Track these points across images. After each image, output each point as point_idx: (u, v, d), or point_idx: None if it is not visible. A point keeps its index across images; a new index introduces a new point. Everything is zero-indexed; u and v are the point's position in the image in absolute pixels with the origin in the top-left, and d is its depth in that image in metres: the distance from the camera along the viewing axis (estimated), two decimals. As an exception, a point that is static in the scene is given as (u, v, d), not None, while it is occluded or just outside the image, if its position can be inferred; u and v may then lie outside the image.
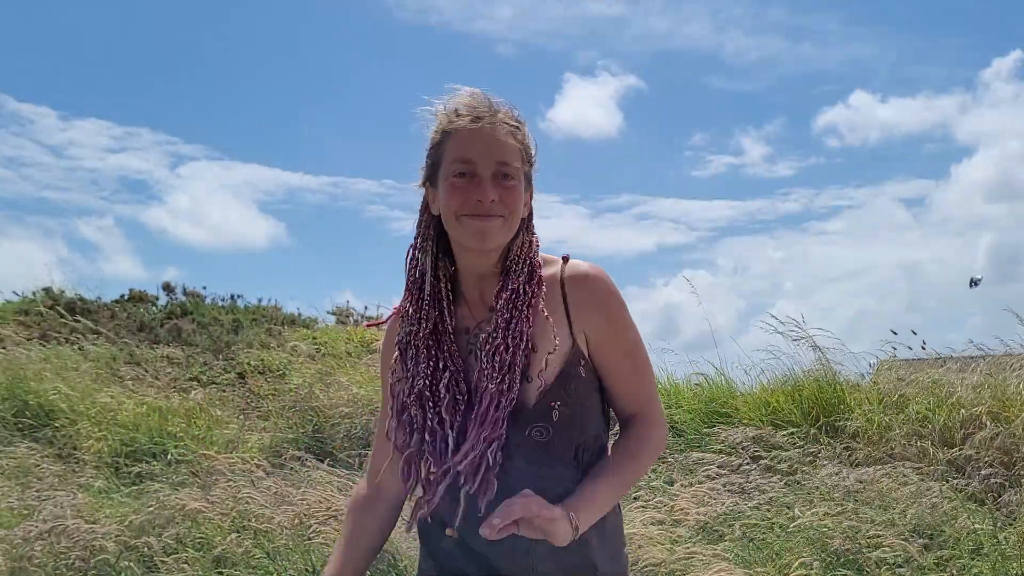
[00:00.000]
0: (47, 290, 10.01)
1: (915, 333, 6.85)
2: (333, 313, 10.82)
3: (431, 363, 1.36)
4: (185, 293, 10.78)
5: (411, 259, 1.41)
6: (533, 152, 1.38)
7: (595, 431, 1.40)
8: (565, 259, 1.41)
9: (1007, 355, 6.06)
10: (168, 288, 10.80)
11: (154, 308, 10.44)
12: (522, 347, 1.32)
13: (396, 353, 1.41)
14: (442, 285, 1.39)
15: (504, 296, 1.34)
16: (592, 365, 1.39)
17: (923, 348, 6.78)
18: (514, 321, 1.33)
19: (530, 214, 1.40)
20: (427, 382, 1.36)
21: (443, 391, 1.35)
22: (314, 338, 8.82)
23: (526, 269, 1.37)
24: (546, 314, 1.34)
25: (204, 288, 10.92)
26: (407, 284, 1.41)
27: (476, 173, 1.30)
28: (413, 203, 1.41)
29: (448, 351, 1.37)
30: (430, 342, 1.37)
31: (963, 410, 4.96)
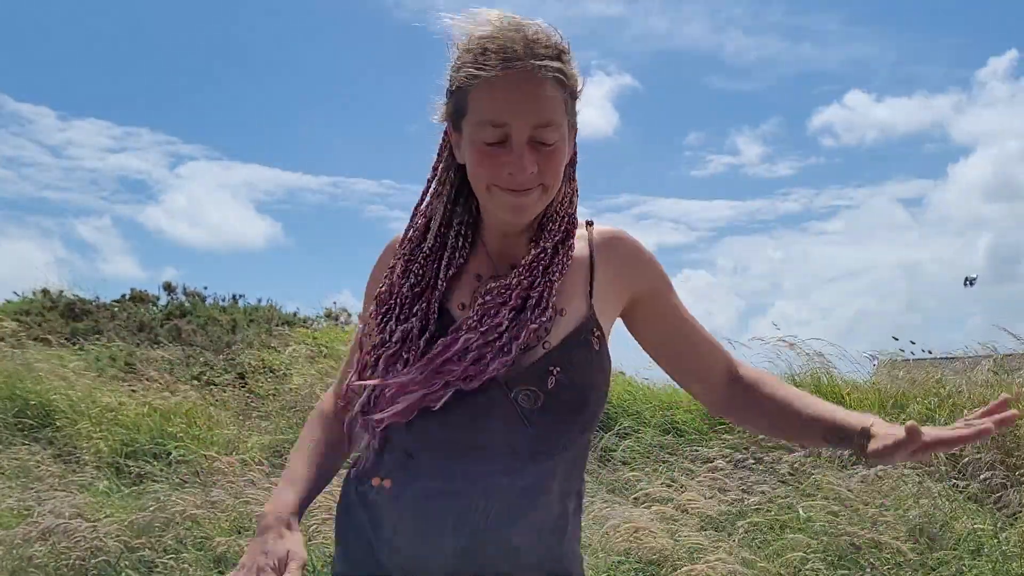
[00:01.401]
0: (45, 291, 10.02)
1: (912, 342, 6.84)
2: (326, 315, 10.76)
3: (411, 319, 1.15)
4: (186, 293, 10.78)
5: (422, 203, 1.21)
6: (580, 88, 1.13)
7: (590, 420, 1.16)
8: (589, 223, 1.24)
9: (1010, 355, 6.05)
10: (169, 288, 10.80)
11: (154, 308, 10.44)
12: (547, 311, 1.13)
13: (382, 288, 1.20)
14: (452, 233, 1.19)
15: (532, 254, 1.15)
16: (606, 338, 1.18)
17: (929, 353, 6.77)
18: (537, 284, 1.14)
19: (573, 156, 1.19)
20: (405, 336, 1.15)
21: (423, 345, 1.14)
22: (314, 338, 8.81)
23: (563, 227, 1.18)
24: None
25: (205, 288, 10.92)
26: (407, 228, 1.22)
27: (510, 137, 1.06)
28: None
29: (429, 307, 1.16)
30: (413, 293, 1.17)
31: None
